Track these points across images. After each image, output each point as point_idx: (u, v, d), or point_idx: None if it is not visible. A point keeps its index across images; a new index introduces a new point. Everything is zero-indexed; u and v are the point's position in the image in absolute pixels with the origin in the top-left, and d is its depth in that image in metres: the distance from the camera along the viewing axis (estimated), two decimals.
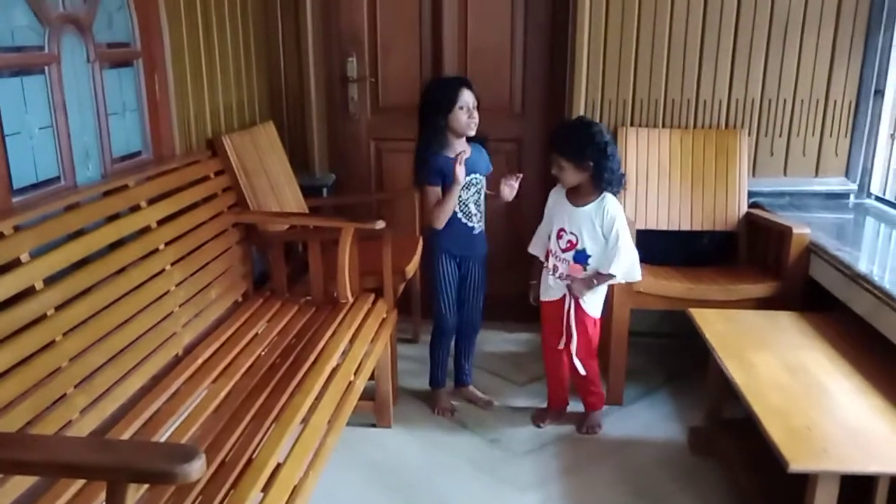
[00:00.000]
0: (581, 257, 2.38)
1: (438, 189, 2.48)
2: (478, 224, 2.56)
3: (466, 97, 2.42)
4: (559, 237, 2.42)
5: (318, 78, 3.24)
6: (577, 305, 2.42)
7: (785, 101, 2.99)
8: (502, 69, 3.26)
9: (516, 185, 2.50)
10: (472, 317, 2.70)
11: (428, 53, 3.28)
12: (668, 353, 3.15)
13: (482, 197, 2.56)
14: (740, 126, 3.00)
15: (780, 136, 3.02)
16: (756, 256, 2.86)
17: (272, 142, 3.00)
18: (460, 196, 2.48)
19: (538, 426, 2.60)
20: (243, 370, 2.08)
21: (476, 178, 2.52)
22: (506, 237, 3.37)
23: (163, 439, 1.73)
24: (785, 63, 2.95)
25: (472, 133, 2.47)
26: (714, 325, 2.30)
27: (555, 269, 2.44)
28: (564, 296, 2.43)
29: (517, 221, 3.40)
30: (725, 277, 2.68)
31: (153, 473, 1.09)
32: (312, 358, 2.14)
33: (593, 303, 2.44)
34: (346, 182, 3.41)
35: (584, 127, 2.35)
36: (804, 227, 2.57)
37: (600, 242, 2.36)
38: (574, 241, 2.38)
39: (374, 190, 3.43)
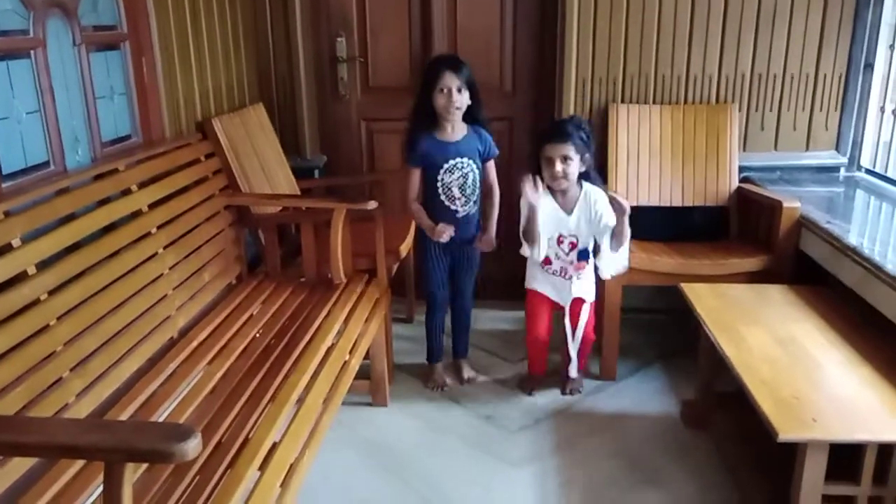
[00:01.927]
0: (584, 255, 2.49)
1: (418, 172, 2.53)
2: (462, 208, 2.55)
3: (447, 79, 2.40)
4: (560, 242, 2.48)
5: (307, 58, 3.22)
6: (576, 305, 2.55)
7: (775, 75, 2.99)
8: (492, 48, 3.24)
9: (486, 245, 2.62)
10: (461, 300, 2.74)
11: (417, 33, 3.26)
12: (661, 328, 3.17)
13: (469, 181, 2.54)
14: (731, 101, 3.00)
15: (771, 110, 3.03)
16: (747, 231, 2.87)
17: (262, 124, 2.99)
18: (443, 179, 2.52)
19: (529, 393, 2.67)
20: (238, 352, 2.09)
21: (461, 163, 2.51)
22: (498, 219, 3.34)
23: (160, 421, 1.75)
24: (775, 38, 2.95)
25: (452, 117, 2.45)
26: (705, 300, 2.33)
27: (562, 272, 2.52)
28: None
29: (508, 202, 3.37)
30: (717, 252, 2.69)
31: (150, 453, 1.10)
32: (307, 338, 2.15)
33: (590, 288, 2.57)
34: (337, 163, 3.40)
35: (578, 121, 2.44)
36: (794, 201, 2.58)
37: (593, 232, 2.48)
38: (575, 243, 2.47)
39: (365, 171, 3.42)
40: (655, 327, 3.18)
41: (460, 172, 2.51)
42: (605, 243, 2.44)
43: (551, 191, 2.45)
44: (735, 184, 2.92)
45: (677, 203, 2.92)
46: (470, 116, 2.51)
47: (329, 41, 3.28)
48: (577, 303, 2.55)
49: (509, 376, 2.82)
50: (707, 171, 2.92)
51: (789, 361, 1.94)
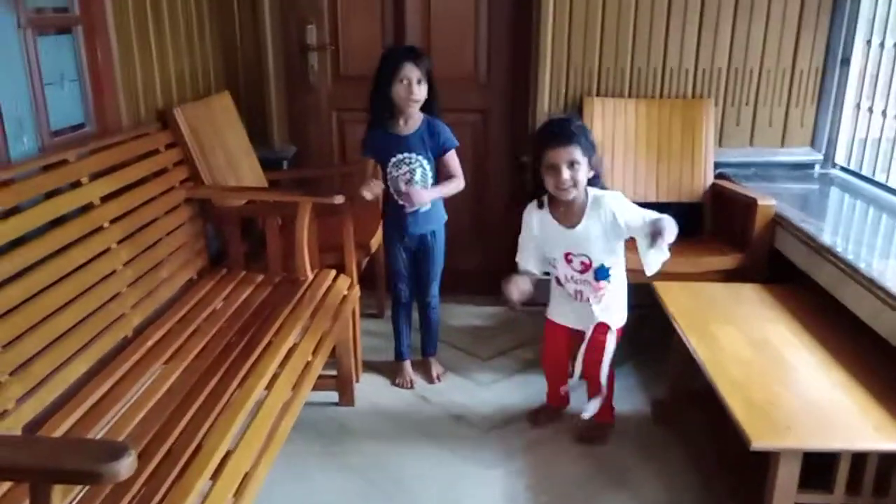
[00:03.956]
0: (602, 274, 2.14)
1: (372, 161, 2.51)
2: (410, 203, 2.45)
3: (407, 70, 2.31)
4: (568, 262, 2.15)
5: (275, 46, 3.11)
6: (600, 332, 2.20)
7: (751, 70, 2.93)
8: (466, 37, 3.14)
9: (414, 197, 2.39)
10: (424, 298, 2.65)
11: (390, 20, 3.15)
12: (633, 325, 3.07)
13: (417, 177, 2.42)
14: (707, 95, 2.94)
15: (747, 105, 2.97)
16: (722, 228, 2.82)
17: (228, 113, 2.87)
18: (391, 173, 2.44)
19: (534, 425, 2.41)
20: (196, 351, 1.99)
21: (408, 158, 2.41)
22: (470, 212, 3.31)
23: (107, 427, 1.65)
24: (752, 32, 2.89)
25: (412, 108, 2.37)
26: (678, 299, 2.28)
27: (578, 294, 2.19)
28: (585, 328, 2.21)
29: (482, 196, 3.33)
30: (691, 250, 2.63)
31: (77, 474, 1.01)
32: (268, 338, 2.06)
33: (618, 310, 2.22)
34: (307, 154, 3.29)
35: (577, 119, 2.12)
36: (769, 199, 2.54)
37: (614, 242, 2.12)
38: (588, 262, 2.13)
39: (336, 162, 3.32)
40: (628, 324, 3.10)
41: (407, 168, 2.42)
42: (640, 242, 2.05)
43: (549, 204, 2.14)
44: (710, 180, 2.87)
45: (652, 199, 2.85)
46: (427, 108, 2.41)
47: (298, 28, 3.16)
48: (600, 330, 2.20)
49: (480, 374, 2.75)
50: (682, 166, 2.86)
51: (762, 364, 1.89)
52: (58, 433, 1.59)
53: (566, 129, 2.03)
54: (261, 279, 2.47)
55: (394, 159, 2.42)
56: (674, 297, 2.27)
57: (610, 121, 2.90)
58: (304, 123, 3.28)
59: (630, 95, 2.96)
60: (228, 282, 2.43)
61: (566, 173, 2.01)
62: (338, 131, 3.32)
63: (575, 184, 2.03)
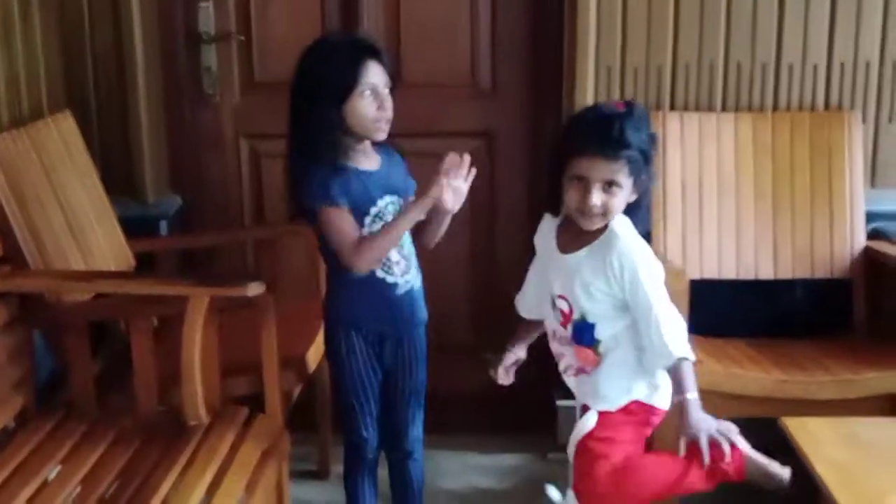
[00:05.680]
0: (583, 333, 2.15)
1: (346, 211, 2.39)
2: (402, 277, 2.44)
3: (373, 75, 2.33)
4: (553, 307, 2.22)
5: (148, 35, 3.14)
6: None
7: None
8: (459, 25, 3.23)
9: (465, 185, 2.32)
10: (404, 444, 2.61)
11: None
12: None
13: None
14: (848, 106, 3.00)
15: None
16: (884, 321, 2.85)
17: (69, 146, 2.87)
18: (369, 228, 2.40)
19: None
20: None
21: (394, 203, 2.43)
22: (468, 293, 3.37)
23: None
24: None
25: (383, 135, 2.40)
26: (823, 444, 2.21)
27: (562, 360, 2.24)
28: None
29: (485, 265, 3.37)
30: (837, 360, 2.65)
31: None
32: None
33: (611, 392, 2.20)
34: (200, 210, 3.34)
35: (639, 115, 2.09)
36: None
37: (610, 300, 2.12)
38: (567, 311, 2.17)
39: (247, 221, 3.35)
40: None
41: (392, 216, 2.43)
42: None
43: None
44: (861, 241, 2.92)
45: (766, 276, 2.91)
46: None
47: (186, 7, 3.22)
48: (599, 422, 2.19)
49: None
50: (814, 222, 2.92)
51: None
52: None
53: (617, 133, 2.02)
54: (124, 425, 2.40)
55: (375, 209, 2.40)
56: (820, 445, 2.20)
57: (693, 148, 2.95)
58: (196, 160, 3.33)
59: (725, 108, 3.03)
60: (69, 432, 2.36)
61: (597, 197, 2.04)
62: (249, 170, 3.37)
63: (605, 212, 2.07)
